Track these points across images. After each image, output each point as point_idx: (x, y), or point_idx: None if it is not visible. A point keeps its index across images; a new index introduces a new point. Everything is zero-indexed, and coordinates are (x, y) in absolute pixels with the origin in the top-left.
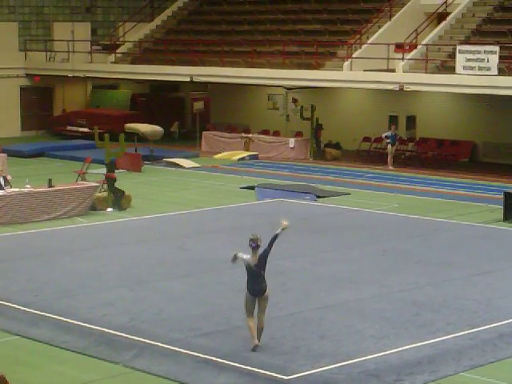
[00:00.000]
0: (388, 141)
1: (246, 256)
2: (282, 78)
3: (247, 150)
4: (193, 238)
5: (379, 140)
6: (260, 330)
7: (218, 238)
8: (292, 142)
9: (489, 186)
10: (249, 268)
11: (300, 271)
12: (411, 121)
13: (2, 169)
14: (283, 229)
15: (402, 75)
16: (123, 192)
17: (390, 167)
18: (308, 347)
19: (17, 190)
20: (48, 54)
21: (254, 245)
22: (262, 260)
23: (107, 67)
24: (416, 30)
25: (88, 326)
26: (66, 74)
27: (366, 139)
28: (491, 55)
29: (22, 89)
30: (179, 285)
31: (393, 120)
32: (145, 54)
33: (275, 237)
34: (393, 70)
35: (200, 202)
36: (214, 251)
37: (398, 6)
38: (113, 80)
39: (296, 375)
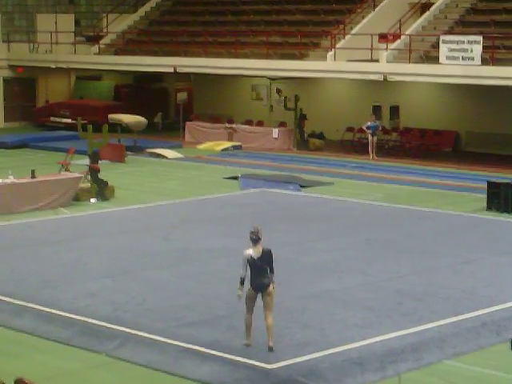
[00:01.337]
0: (369, 131)
1: (248, 251)
2: (266, 69)
3: (231, 141)
4: (177, 228)
5: (362, 131)
6: (270, 329)
7: (202, 228)
8: (276, 132)
9: (472, 175)
10: (251, 261)
11: (284, 260)
12: (395, 111)
13: None
14: None
15: (386, 65)
16: (107, 183)
17: (372, 158)
18: (291, 336)
19: (0, 181)
20: (31, 45)
21: (255, 237)
22: (266, 256)
23: (90, 58)
24: (400, 20)
25: (71, 316)
26: (49, 65)
27: (350, 129)
28: (475, 45)
29: (5, 80)
30: (163, 275)
31: (376, 110)
32: (128, 45)
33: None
34: (376, 61)
35: (184, 192)
36: (198, 241)
37: None
38: (96, 71)
39: (279, 364)
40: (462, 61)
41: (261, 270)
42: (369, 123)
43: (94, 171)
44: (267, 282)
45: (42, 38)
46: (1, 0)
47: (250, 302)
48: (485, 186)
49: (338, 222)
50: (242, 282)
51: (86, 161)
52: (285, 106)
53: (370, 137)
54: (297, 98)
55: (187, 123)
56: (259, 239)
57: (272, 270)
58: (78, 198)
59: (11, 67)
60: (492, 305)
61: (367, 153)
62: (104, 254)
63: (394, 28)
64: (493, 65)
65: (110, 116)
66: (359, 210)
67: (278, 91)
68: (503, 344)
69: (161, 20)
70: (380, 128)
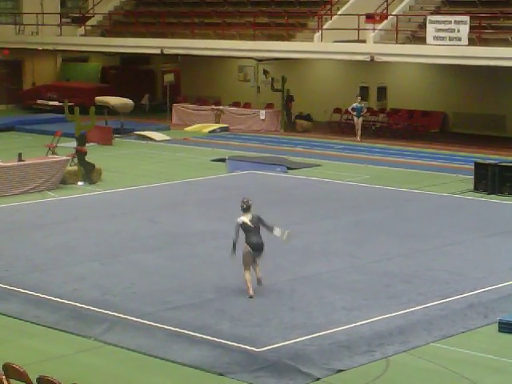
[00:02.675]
0: (355, 113)
1: (240, 218)
2: (253, 50)
3: (218, 123)
4: (164, 211)
5: (348, 112)
6: (258, 279)
7: (190, 211)
8: (263, 113)
9: (459, 156)
10: (244, 226)
11: (271, 243)
12: (382, 92)
13: None
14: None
15: (373, 46)
16: (94, 165)
17: (358, 139)
18: (279, 319)
19: None
20: (17, 27)
21: (246, 206)
22: (257, 220)
23: (77, 40)
24: (386, 0)
25: (59, 300)
26: (35, 47)
27: (337, 111)
28: (461, 25)
29: None
30: (151, 258)
31: (363, 91)
32: (115, 26)
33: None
34: (363, 41)
35: (171, 174)
36: (186, 224)
37: None
38: (83, 53)
39: (267, 347)
40: (449, 41)
41: (255, 232)
42: (354, 105)
43: (81, 154)
44: (262, 242)
45: (28, 19)
46: None
47: (248, 258)
48: (472, 167)
49: (326, 204)
50: (234, 247)
51: (73, 143)
52: (272, 87)
53: (355, 119)
54: (284, 80)
55: (174, 105)
56: (249, 208)
57: (270, 227)
58: (65, 181)
59: None
60: (479, 287)
61: (354, 135)
62: (92, 238)
63: (381, 8)
64: (480, 45)
65: (97, 98)
66: (347, 192)
67: (265, 72)
68: (491, 326)
69: (147, 1)
70: (365, 110)
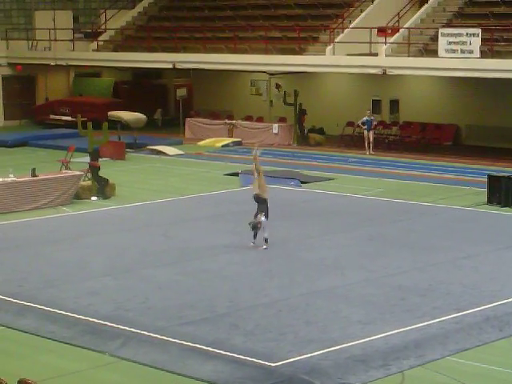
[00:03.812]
0: (365, 127)
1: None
2: (265, 64)
3: (231, 137)
4: (177, 225)
5: (359, 126)
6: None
7: (203, 226)
8: (276, 127)
9: (473, 169)
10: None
11: (285, 257)
12: (395, 105)
13: None
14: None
15: (385, 59)
16: (107, 180)
17: (369, 153)
18: (294, 333)
19: (0, 179)
20: (30, 42)
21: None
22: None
23: (89, 55)
24: (398, 13)
25: (74, 315)
26: (48, 62)
27: (350, 124)
28: (473, 38)
29: (4, 78)
30: (164, 273)
31: (375, 104)
32: (127, 41)
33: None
34: (375, 54)
35: (184, 189)
36: (199, 239)
37: None
38: (95, 68)
39: (283, 362)
40: (461, 54)
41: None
42: (364, 118)
43: (94, 169)
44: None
45: (41, 35)
46: None
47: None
48: (485, 179)
49: (340, 217)
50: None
51: (87, 158)
52: (284, 101)
53: (365, 132)
54: (296, 93)
55: (187, 119)
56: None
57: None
58: (78, 196)
59: (10, 65)
60: (494, 300)
61: (365, 148)
62: (105, 253)
63: (393, 21)
64: (492, 57)
65: (110, 113)
66: (360, 206)
67: (278, 86)
68: (506, 340)
69: (159, 16)
70: (375, 123)
